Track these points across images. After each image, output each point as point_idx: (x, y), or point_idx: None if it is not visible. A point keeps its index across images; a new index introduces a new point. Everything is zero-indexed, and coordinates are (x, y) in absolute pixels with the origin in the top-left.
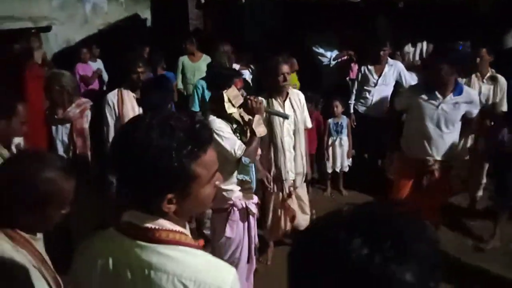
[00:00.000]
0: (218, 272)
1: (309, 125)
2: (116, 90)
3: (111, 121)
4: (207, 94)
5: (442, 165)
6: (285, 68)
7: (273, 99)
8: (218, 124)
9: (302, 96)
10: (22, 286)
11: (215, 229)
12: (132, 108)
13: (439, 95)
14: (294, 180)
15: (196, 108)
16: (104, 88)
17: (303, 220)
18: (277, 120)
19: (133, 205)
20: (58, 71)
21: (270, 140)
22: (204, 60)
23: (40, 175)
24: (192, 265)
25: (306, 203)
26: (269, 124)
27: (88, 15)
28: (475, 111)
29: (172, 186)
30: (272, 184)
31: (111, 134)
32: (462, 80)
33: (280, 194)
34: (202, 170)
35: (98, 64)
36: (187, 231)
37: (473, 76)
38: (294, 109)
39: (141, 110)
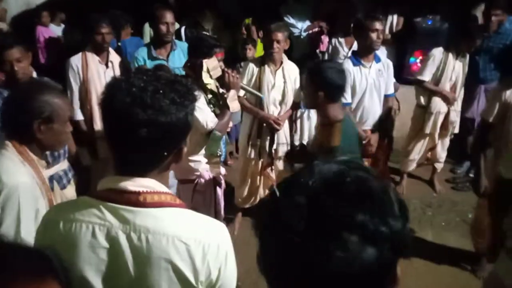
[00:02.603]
0: (215, 230)
1: (297, 99)
2: (80, 53)
3: (75, 86)
4: (149, 64)
5: (376, 134)
6: (278, 35)
7: (266, 66)
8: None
9: (296, 70)
10: (26, 192)
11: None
12: (97, 72)
13: (365, 63)
14: (276, 150)
15: None
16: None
17: None
18: (265, 88)
19: (123, 170)
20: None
21: (258, 108)
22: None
23: (43, 97)
24: (189, 224)
25: (281, 175)
26: (259, 92)
27: None
28: (391, 86)
29: (181, 141)
30: (252, 150)
31: (75, 99)
32: (439, 55)
33: (260, 162)
34: (192, 119)
35: (61, 29)
36: (170, 191)
37: (450, 53)
38: (285, 80)
39: (107, 75)
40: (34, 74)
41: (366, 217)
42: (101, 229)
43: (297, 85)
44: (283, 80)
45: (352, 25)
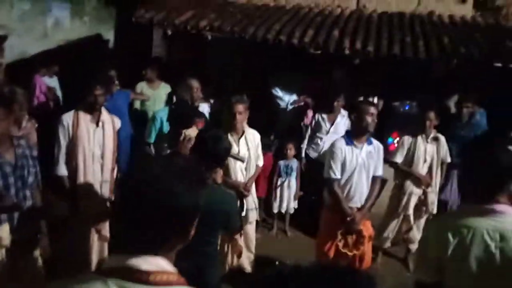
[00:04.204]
0: None
1: (261, 163)
2: (72, 112)
3: (63, 142)
4: (166, 126)
5: (361, 212)
6: (239, 107)
7: (229, 136)
8: None
9: (257, 136)
10: None
11: None
12: (87, 130)
13: (357, 144)
14: (245, 216)
15: (152, 139)
16: (56, 105)
17: (246, 258)
18: (230, 158)
19: (132, 248)
20: (12, 88)
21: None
22: (164, 88)
23: None
24: None
25: (253, 241)
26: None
27: (48, 29)
28: (380, 167)
29: (189, 224)
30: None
31: (62, 155)
32: (408, 140)
33: None
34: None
35: (53, 81)
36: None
37: (419, 137)
38: (249, 147)
39: (97, 134)
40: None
41: None
42: None
43: (259, 150)
44: (246, 148)
45: (349, 107)
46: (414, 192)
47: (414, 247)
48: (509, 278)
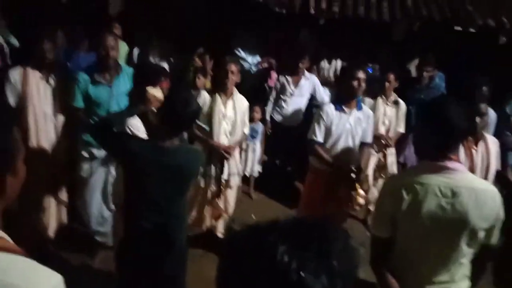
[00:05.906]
0: (35, 276)
1: (247, 131)
2: (19, 67)
3: (12, 101)
4: (91, 89)
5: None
6: (232, 67)
7: (217, 96)
8: (134, 121)
9: (246, 103)
10: None
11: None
12: (37, 87)
13: (346, 109)
14: (227, 180)
15: (80, 103)
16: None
17: (222, 221)
18: (216, 117)
19: None
20: None
21: (208, 137)
22: (123, 47)
23: None
24: (3, 268)
25: (232, 206)
26: (209, 122)
27: None
28: (370, 133)
29: (8, 166)
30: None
31: None
32: (370, 102)
33: (209, 191)
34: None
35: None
36: (2, 233)
37: (379, 98)
38: (236, 111)
39: (48, 92)
40: None
41: (335, 261)
42: None
43: (246, 118)
44: (233, 112)
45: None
46: (372, 153)
47: (373, 207)
48: (457, 233)
